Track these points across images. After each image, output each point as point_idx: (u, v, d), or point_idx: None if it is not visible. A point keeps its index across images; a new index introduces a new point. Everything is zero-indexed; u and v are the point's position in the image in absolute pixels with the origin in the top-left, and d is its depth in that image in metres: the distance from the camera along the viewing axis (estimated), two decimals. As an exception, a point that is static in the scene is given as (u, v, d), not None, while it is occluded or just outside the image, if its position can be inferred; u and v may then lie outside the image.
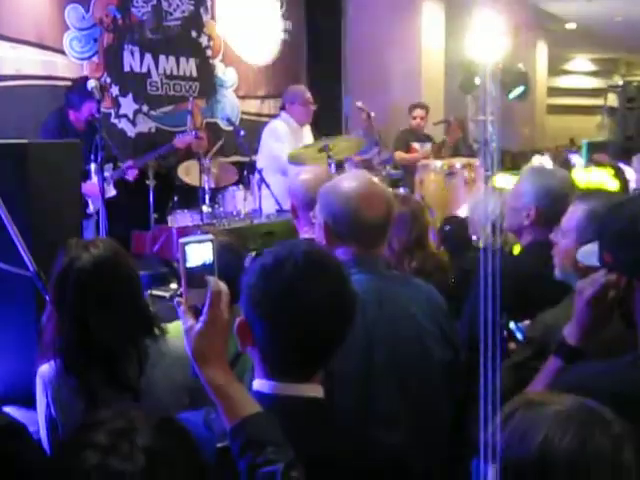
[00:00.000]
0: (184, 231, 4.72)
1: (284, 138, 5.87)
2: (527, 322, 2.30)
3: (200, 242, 1.52)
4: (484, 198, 3.36)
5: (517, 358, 2.18)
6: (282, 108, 6.28)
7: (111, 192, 5.09)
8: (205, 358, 1.48)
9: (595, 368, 1.67)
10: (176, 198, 5.59)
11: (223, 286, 1.51)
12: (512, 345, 2.27)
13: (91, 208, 5.04)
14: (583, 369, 1.70)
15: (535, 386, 1.81)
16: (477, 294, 1.85)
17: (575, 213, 2.24)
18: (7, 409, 2.57)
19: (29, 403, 2.34)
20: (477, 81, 7.96)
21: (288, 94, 6.24)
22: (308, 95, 6.11)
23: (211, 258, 1.52)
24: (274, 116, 6.79)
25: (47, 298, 2.34)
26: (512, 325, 2.29)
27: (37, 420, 2.26)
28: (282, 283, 1.53)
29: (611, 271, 1.71)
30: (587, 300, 1.76)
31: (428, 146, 7.71)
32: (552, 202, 2.66)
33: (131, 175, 5.46)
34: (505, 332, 2.25)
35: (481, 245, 3.11)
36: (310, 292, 1.53)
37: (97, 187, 4.43)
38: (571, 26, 14.04)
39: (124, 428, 1.21)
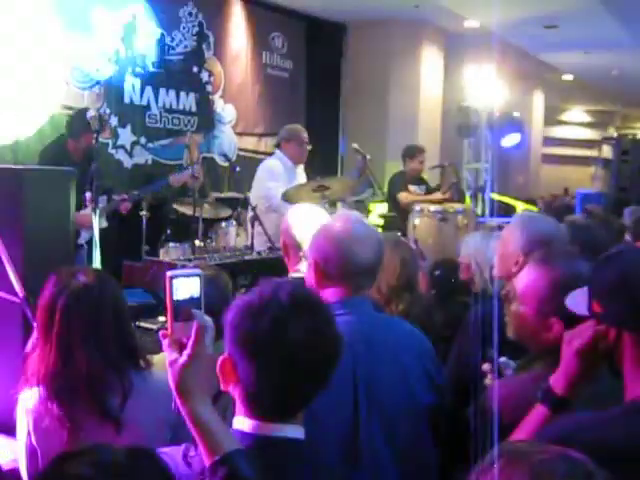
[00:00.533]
0: (175, 264, 4.71)
1: (278, 177, 5.87)
2: (503, 359, 2.29)
3: (188, 276, 1.52)
4: (479, 244, 3.38)
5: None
6: (278, 146, 6.29)
7: (102, 224, 5.08)
8: (187, 392, 1.47)
9: (582, 419, 1.66)
10: (169, 231, 5.59)
11: (209, 321, 1.50)
12: (487, 380, 2.26)
13: (82, 238, 5.02)
14: (569, 420, 1.69)
15: (519, 434, 1.80)
16: (465, 339, 1.84)
17: (531, 277, 2.17)
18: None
19: (11, 430, 2.30)
20: (474, 126, 8.03)
21: (285, 133, 6.25)
22: (305, 135, 6.12)
23: (198, 292, 1.51)
24: (271, 154, 6.82)
25: (34, 325, 2.33)
26: (502, 359, 2.28)
27: (17, 448, 2.23)
28: (267, 324, 1.52)
29: (600, 322, 1.71)
30: (575, 350, 1.76)
31: (423, 189, 7.73)
32: (537, 249, 2.65)
33: (124, 209, 5.47)
34: (488, 364, 2.24)
35: (477, 289, 3.12)
36: (294, 334, 1.52)
37: (89, 217, 4.43)
38: (568, 78, 14.22)
39: (105, 461, 1.19)
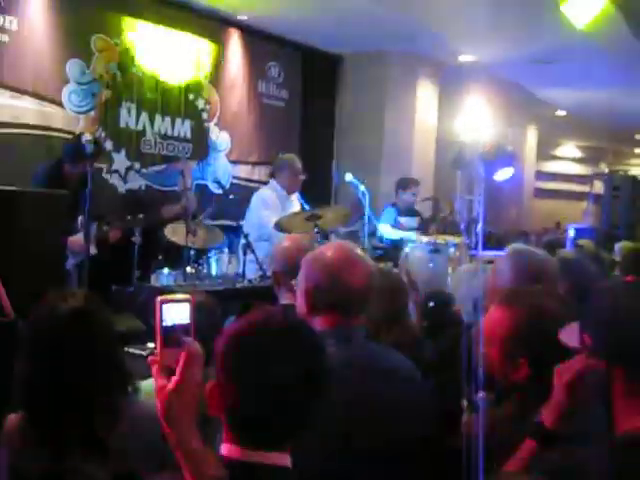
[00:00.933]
0: (165, 290, 4.70)
1: (272, 206, 5.90)
2: (482, 394, 2.27)
3: (178, 302, 1.51)
4: (469, 275, 3.38)
5: None
6: (272, 176, 6.30)
7: (92, 250, 5.06)
8: (174, 419, 1.46)
9: (573, 453, 1.66)
10: (160, 257, 5.58)
11: (198, 348, 1.49)
12: (464, 417, 2.25)
13: (69, 264, 4.97)
14: (561, 453, 1.68)
15: (510, 468, 1.79)
16: (453, 372, 1.83)
17: (495, 317, 2.14)
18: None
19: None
20: (467, 159, 8.03)
21: (279, 162, 6.28)
22: (298, 165, 6.15)
23: (188, 318, 1.50)
24: (264, 182, 6.84)
25: (22, 346, 2.31)
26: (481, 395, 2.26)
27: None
28: (256, 353, 1.52)
29: (590, 355, 1.71)
30: (565, 384, 1.76)
31: (415, 221, 7.75)
32: (527, 283, 2.65)
33: (113, 237, 5.44)
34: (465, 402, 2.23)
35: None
36: (284, 364, 1.52)
37: (80, 242, 4.42)
38: (561, 113, 14.33)
39: None
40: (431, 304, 3.77)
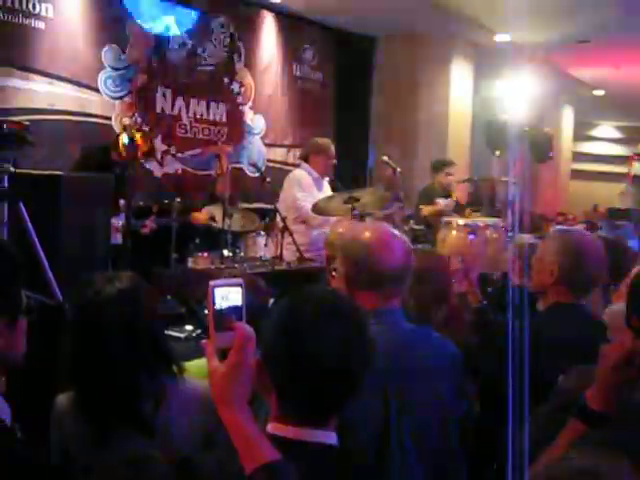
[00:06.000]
0: (204, 273, 4.73)
1: (306, 188, 5.87)
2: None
3: (230, 286, 1.52)
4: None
5: (546, 407, 2.12)
6: (305, 159, 6.26)
7: (117, 240, 5.09)
8: (228, 401, 1.47)
9: (621, 435, 1.65)
10: (197, 240, 5.61)
11: (250, 331, 1.50)
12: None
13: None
14: (608, 434, 1.67)
15: (554, 449, 1.78)
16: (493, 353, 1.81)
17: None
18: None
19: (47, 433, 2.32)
20: (504, 141, 7.96)
21: (312, 146, 6.23)
22: (332, 149, 6.12)
23: (240, 302, 1.52)
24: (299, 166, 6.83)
25: (69, 328, 2.35)
26: None
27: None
28: (300, 326, 1.53)
29: (639, 335, 1.69)
30: (612, 365, 1.74)
31: (450, 201, 7.71)
32: (573, 262, 2.62)
33: (148, 229, 5.51)
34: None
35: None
36: (328, 337, 1.53)
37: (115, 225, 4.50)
38: (599, 93, 14.12)
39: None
40: (490, 290, 3.72)
